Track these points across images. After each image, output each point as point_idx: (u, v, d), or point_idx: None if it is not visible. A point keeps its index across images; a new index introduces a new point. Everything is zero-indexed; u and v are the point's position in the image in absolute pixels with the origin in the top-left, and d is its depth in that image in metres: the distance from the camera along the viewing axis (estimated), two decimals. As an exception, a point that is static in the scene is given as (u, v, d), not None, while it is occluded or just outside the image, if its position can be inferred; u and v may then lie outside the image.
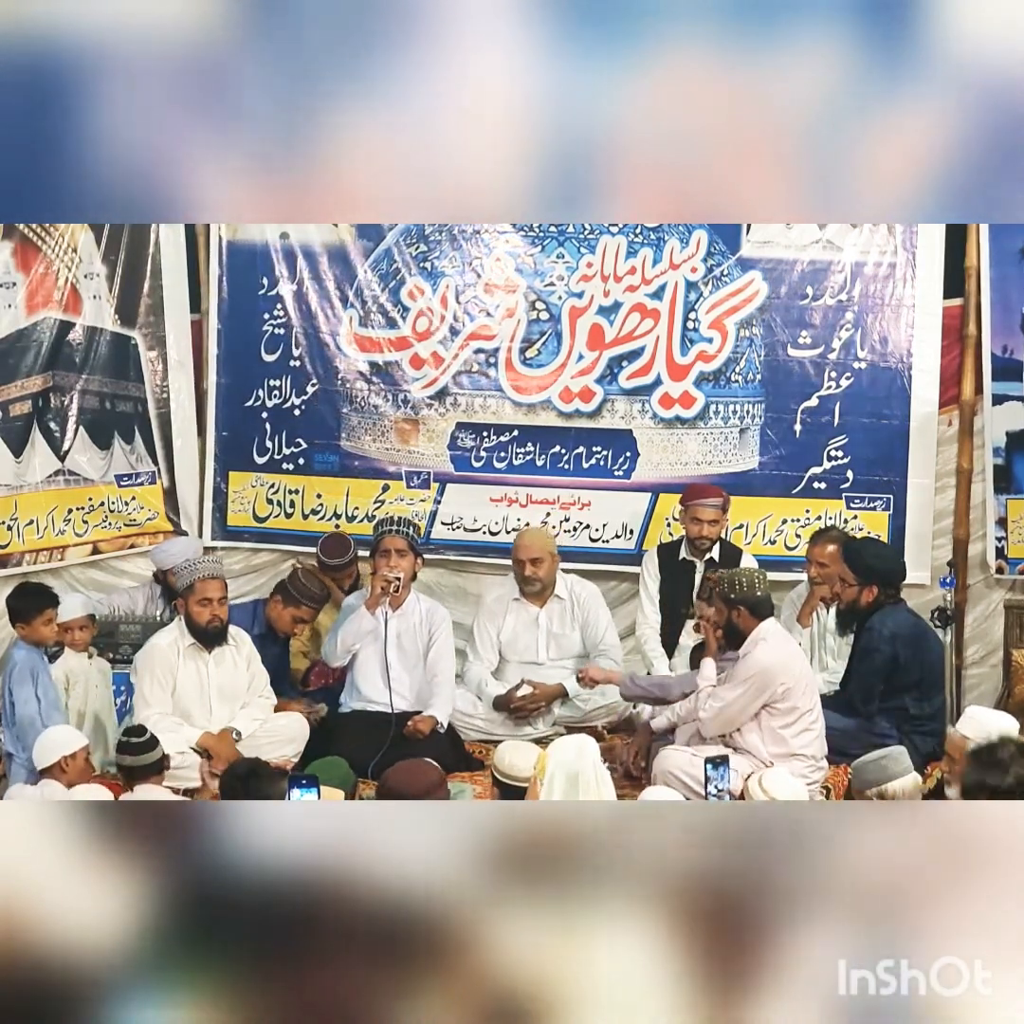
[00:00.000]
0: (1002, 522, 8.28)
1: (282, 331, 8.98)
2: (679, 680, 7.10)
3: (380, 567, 7.53)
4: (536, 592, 8.04)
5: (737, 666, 6.57)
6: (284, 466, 9.03)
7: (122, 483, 8.71)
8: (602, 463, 8.77)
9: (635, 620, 8.31)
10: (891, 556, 7.70)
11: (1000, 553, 8.30)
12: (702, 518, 7.99)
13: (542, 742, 6.88)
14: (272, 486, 9.04)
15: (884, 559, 7.50)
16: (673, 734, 6.87)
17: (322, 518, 8.93)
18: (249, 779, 5.46)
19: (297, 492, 9.02)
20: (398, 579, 7.45)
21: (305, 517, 8.96)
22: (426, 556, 8.02)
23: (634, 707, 7.64)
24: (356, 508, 8.95)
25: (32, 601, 6.92)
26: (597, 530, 8.78)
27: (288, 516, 9.01)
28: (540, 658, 8.01)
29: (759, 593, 6.61)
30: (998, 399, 8.26)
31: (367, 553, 8.10)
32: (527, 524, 8.66)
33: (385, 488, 8.94)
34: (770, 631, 6.61)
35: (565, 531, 8.71)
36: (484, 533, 8.86)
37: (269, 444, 9.03)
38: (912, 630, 7.37)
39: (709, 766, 5.54)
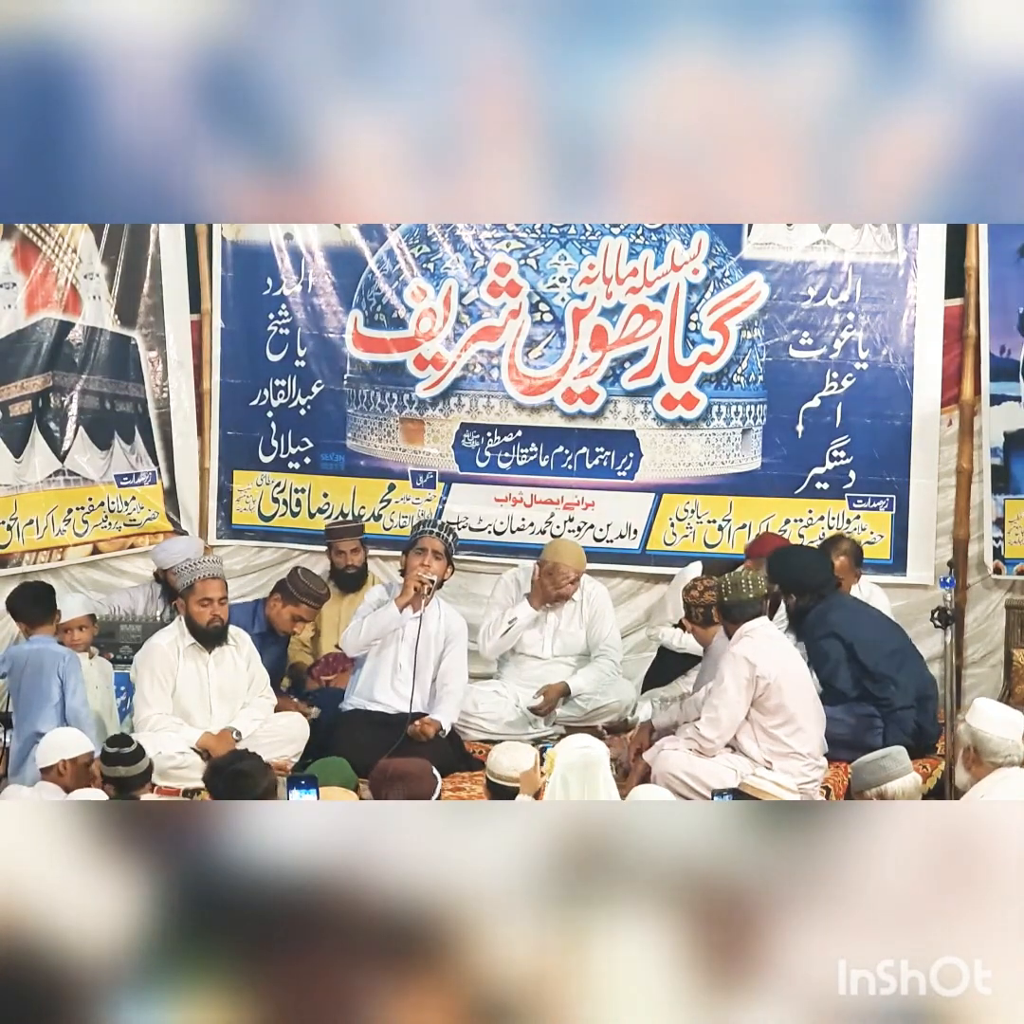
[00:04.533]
0: (1000, 522, 8.25)
1: (287, 331, 9.01)
2: (692, 699, 7.09)
3: (415, 566, 7.42)
4: (557, 606, 8.01)
5: (720, 666, 6.59)
6: (290, 465, 9.07)
7: (122, 483, 8.72)
8: (605, 464, 8.78)
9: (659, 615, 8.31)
10: (800, 564, 7.47)
11: (997, 553, 8.28)
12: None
13: (539, 742, 6.91)
14: (278, 485, 9.08)
15: (794, 568, 7.39)
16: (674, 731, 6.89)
17: (328, 517, 8.96)
18: (236, 777, 5.42)
19: (303, 491, 9.05)
20: (432, 581, 7.39)
21: (311, 516, 8.98)
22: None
23: (634, 709, 7.65)
24: (362, 507, 8.98)
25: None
26: (601, 530, 8.79)
27: (294, 515, 9.04)
28: (543, 654, 8.00)
29: (725, 598, 6.63)
30: (996, 399, 8.23)
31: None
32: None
33: (391, 487, 8.97)
34: (754, 629, 6.60)
35: (569, 531, 8.72)
36: (489, 532, 8.88)
37: (274, 443, 9.06)
38: (852, 615, 7.40)
39: (717, 798, 5.57)
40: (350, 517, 8.90)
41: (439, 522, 7.83)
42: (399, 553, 7.74)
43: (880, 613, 7.70)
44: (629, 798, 5.46)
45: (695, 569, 7.94)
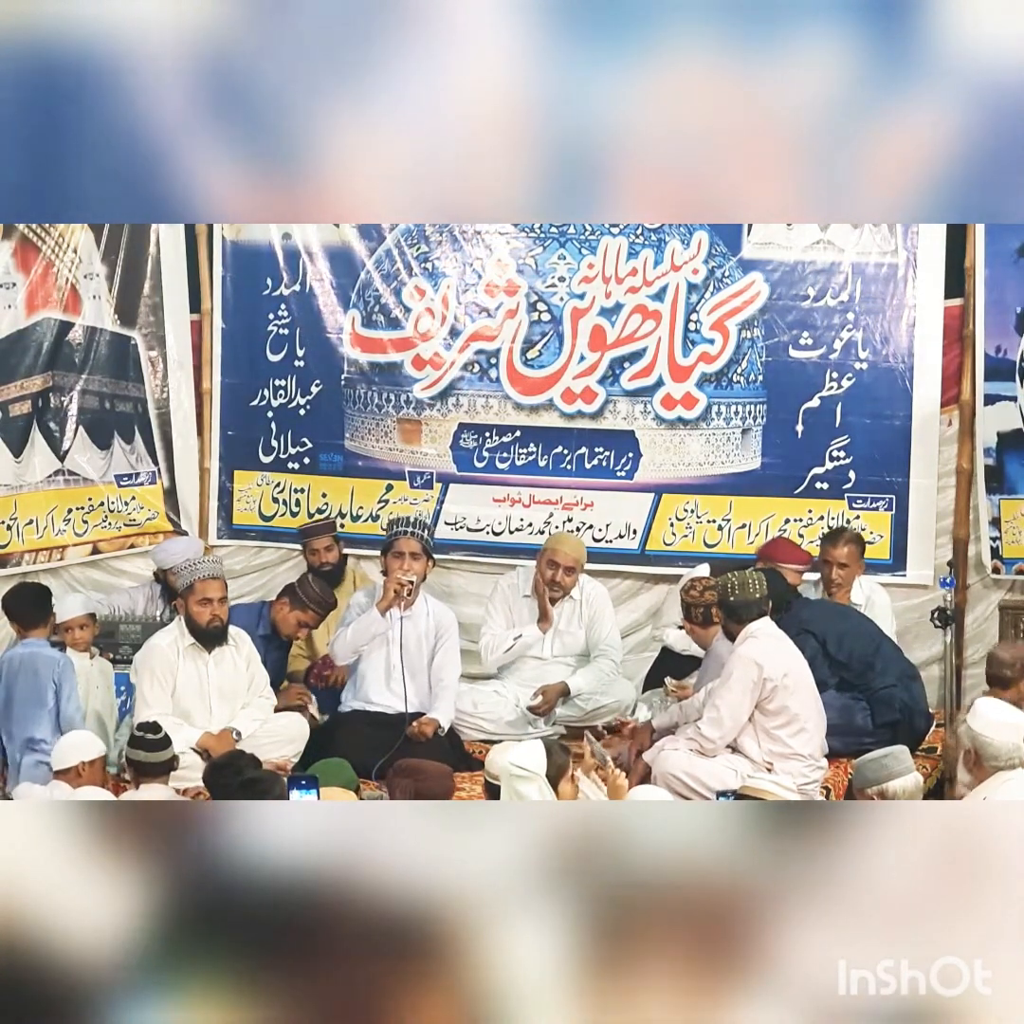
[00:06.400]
0: (996, 522, 8.24)
1: (286, 331, 9.00)
2: (691, 700, 7.09)
3: (393, 569, 7.43)
4: (556, 598, 8.01)
5: (725, 666, 6.59)
6: (290, 465, 9.08)
7: (122, 483, 8.72)
8: (604, 464, 8.77)
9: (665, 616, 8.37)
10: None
11: (995, 553, 8.27)
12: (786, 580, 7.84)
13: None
14: (277, 485, 9.08)
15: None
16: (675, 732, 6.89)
17: (327, 517, 8.94)
18: (248, 785, 5.43)
19: (302, 491, 9.05)
20: (412, 582, 7.38)
21: (310, 516, 8.97)
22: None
23: (634, 709, 7.65)
24: (360, 507, 8.97)
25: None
26: (600, 530, 8.78)
27: (294, 515, 9.04)
28: (544, 654, 8.01)
29: (732, 598, 6.62)
30: (990, 399, 8.20)
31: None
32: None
33: (389, 488, 8.96)
34: (759, 629, 6.60)
35: (568, 531, 8.71)
36: (487, 533, 8.86)
37: (274, 443, 9.06)
38: (821, 611, 7.48)
39: (720, 799, 5.57)
40: (347, 518, 8.90)
41: (412, 520, 7.77)
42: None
43: (848, 608, 7.72)
44: (629, 798, 5.47)
45: (703, 571, 7.92)
